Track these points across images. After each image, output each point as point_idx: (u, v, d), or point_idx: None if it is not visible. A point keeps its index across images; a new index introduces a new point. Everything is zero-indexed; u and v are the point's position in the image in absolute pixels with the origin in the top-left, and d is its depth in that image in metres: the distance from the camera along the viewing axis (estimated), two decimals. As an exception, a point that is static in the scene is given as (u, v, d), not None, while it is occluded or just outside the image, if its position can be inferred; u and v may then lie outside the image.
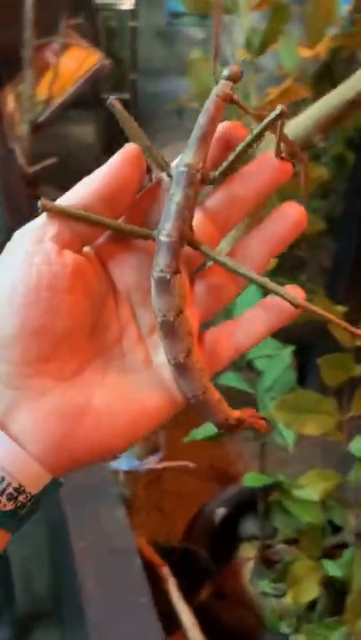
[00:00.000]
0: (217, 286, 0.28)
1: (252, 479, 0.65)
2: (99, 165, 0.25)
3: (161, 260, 0.25)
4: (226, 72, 0.26)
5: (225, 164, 0.26)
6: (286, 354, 0.63)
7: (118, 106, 0.26)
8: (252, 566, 0.74)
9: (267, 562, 0.73)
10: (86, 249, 0.26)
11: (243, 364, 0.69)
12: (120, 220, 0.26)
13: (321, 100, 0.33)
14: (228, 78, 0.26)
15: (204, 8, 0.64)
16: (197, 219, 0.27)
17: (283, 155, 0.26)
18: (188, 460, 0.61)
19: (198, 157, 0.26)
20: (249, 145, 0.26)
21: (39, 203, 0.24)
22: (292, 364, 0.64)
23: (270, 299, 0.27)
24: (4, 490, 0.23)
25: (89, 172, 0.25)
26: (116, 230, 0.26)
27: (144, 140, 0.26)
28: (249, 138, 0.25)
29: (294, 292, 0.26)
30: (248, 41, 0.61)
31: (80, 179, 0.25)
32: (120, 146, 0.25)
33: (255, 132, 0.25)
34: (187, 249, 0.26)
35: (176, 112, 1.27)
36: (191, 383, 0.26)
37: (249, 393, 0.70)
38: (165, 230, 0.25)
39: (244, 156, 0.26)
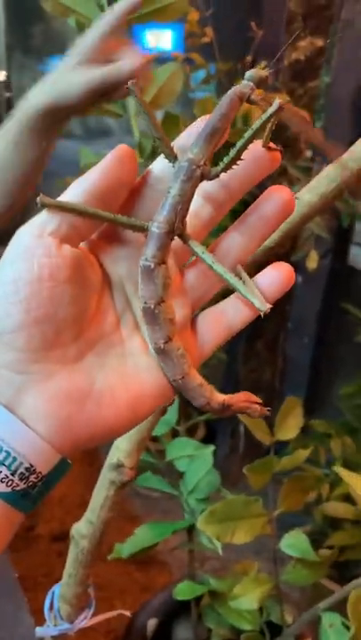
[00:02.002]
0: (206, 275, 0.29)
1: (183, 591, 0.62)
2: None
3: (148, 250, 0.26)
4: (251, 73, 0.26)
5: (226, 160, 0.26)
6: (207, 454, 0.62)
7: (138, 92, 0.26)
8: None
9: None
10: (81, 244, 0.27)
11: (163, 466, 0.67)
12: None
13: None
14: (252, 80, 0.26)
15: (95, 112, 0.63)
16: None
17: (270, 145, 0.26)
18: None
19: (202, 154, 0.26)
20: (248, 141, 0.25)
21: (38, 199, 0.25)
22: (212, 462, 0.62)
23: (261, 275, 0.28)
24: (16, 469, 0.24)
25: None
26: (112, 222, 0.26)
27: (158, 129, 0.26)
28: (248, 133, 0.25)
29: (261, 298, 0.27)
30: (140, 145, 0.61)
31: None
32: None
33: (254, 127, 0.25)
34: (179, 243, 0.27)
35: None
36: (171, 368, 0.27)
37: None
38: (157, 222, 0.26)
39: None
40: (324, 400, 1.52)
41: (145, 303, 0.26)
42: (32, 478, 0.25)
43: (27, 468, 0.24)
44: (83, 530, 0.39)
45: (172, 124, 0.57)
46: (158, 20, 0.61)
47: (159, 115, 0.64)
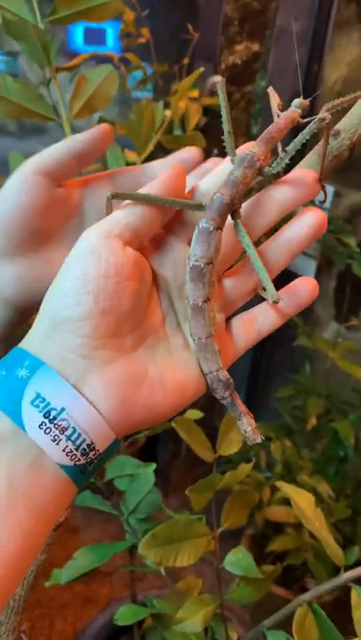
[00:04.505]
0: (239, 284, 0.32)
1: (125, 616, 0.60)
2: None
3: (208, 214, 0.29)
4: (298, 102, 0.32)
5: (278, 161, 0.30)
6: (149, 473, 0.60)
7: (223, 88, 0.31)
8: None
9: None
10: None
11: (103, 485, 0.64)
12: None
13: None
14: (299, 107, 0.32)
15: (21, 114, 0.60)
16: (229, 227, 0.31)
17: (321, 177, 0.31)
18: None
19: (261, 151, 0.30)
20: (296, 146, 0.30)
21: (108, 193, 0.30)
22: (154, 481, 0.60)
23: (286, 291, 0.32)
24: (79, 445, 0.26)
25: None
26: (173, 205, 0.30)
27: (230, 124, 0.31)
28: (299, 138, 0.30)
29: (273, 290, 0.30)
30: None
31: None
32: None
33: (303, 134, 0.30)
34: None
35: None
36: (201, 327, 0.29)
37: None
38: (219, 192, 0.29)
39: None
40: (263, 403, 1.53)
41: (196, 261, 0.29)
42: (91, 455, 0.26)
43: (88, 445, 0.26)
44: (14, 574, 0.37)
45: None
46: (90, 20, 0.58)
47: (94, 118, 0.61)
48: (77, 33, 1.51)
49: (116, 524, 0.69)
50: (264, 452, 1.28)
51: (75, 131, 0.66)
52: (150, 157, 0.68)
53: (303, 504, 0.56)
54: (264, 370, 1.51)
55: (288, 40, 1.23)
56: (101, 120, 0.55)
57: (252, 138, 1.29)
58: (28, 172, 0.34)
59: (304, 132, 0.30)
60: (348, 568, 0.53)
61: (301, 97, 0.32)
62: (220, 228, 0.29)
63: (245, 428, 0.30)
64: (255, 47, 1.24)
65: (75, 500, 0.67)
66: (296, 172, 0.31)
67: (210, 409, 1.50)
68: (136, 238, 0.29)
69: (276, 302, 0.30)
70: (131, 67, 1.26)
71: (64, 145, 0.33)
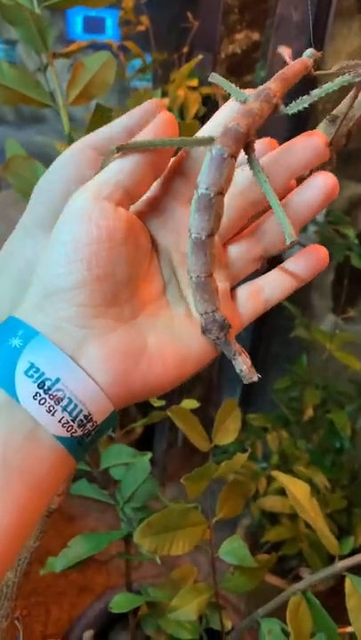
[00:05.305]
0: (246, 251, 0.31)
1: (120, 604, 0.60)
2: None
3: (222, 139, 0.27)
4: (310, 52, 0.32)
5: (298, 102, 0.30)
6: (144, 462, 0.60)
7: (218, 77, 0.31)
8: None
9: None
10: (133, 215, 0.28)
11: (98, 474, 0.64)
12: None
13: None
14: (311, 57, 0.32)
15: (17, 101, 0.59)
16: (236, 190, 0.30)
17: (331, 141, 0.30)
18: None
19: (277, 88, 0.29)
20: (324, 93, 0.29)
21: (114, 147, 0.27)
22: (150, 471, 0.60)
23: (297, 256, 0.31)
24: (76, 416, 0.25)
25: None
26: (181, 145, 0.28)
27: (240, 94, 0.30)
28: (328, 85, 0.29)
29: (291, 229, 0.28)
30: (70, 137, 0.58)
31: None
32: None
33: (335, 82, 0.29)
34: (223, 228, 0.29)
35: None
36: (202, 264, 0.28)
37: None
38: (236, 121, 0.27)
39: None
40: (259, 394, 1.53)
41: (206, 189, 0.27)
42: (88, 426, 0.26)
43: (85, 416, 0.25)
44: (8, 561, 0.37)
45: (105, 117, 0.54)
46: (87, 5, 0.57)
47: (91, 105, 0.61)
48: (77, 22, 1.49)
49: (112, 512, 0.69)
50: (260, 442, 1.28)
51: (72, 119, 0.65)
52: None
53: (299, 494, 0.57)
54: (261, 361, 1.51)
55: (288, 29, 1.22)
56: (99, 108, 0.54)
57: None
58: (84, 145, 0.32)
59: (336, 80, 0.29)
60: (342, 557, 0.53)
61: (313, 49, 0.32)
62: (234, 156, 0.27)
63: (241, 367, 0.29)
64: (255, 36, 1.23)
65: (70, 489, 0.67)
66: (305, 133, 0.29)
67: (206, 398, 1.50)
68: (127, 197, 0.27)
69: (293, 243, 0.28)
70: (130, 55, 1.25)
71: (120, 121, 0.31)
